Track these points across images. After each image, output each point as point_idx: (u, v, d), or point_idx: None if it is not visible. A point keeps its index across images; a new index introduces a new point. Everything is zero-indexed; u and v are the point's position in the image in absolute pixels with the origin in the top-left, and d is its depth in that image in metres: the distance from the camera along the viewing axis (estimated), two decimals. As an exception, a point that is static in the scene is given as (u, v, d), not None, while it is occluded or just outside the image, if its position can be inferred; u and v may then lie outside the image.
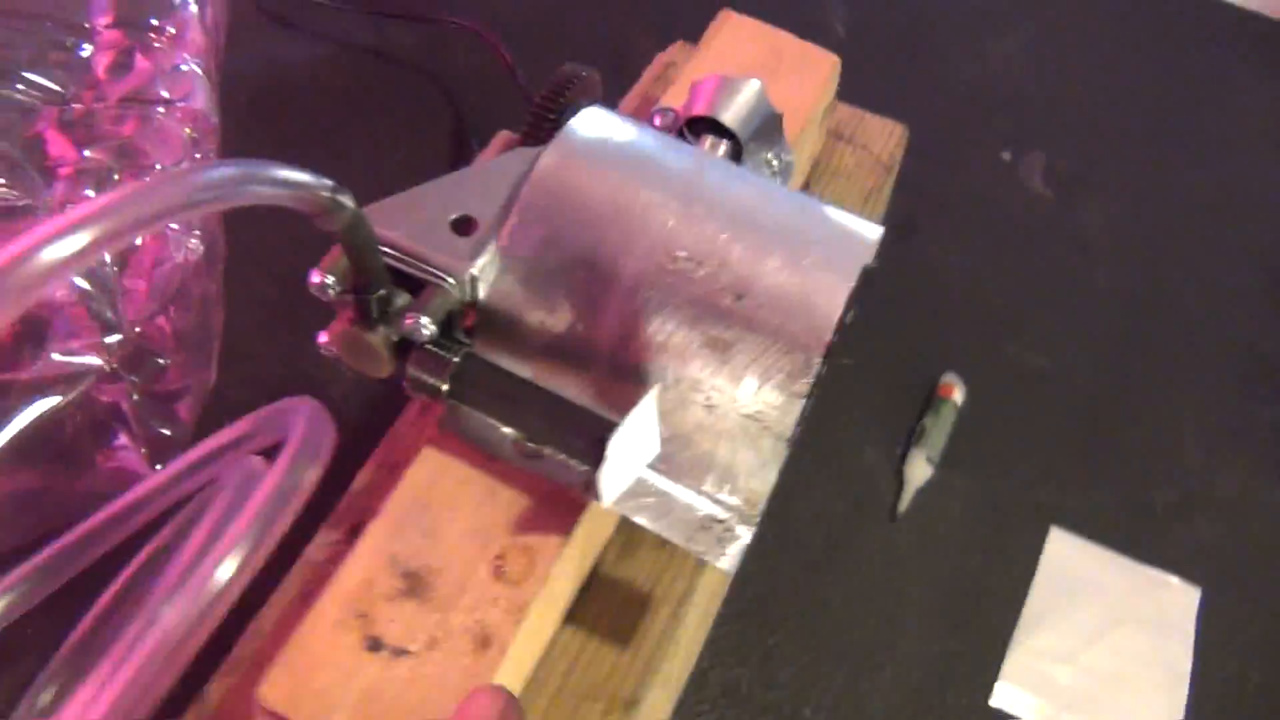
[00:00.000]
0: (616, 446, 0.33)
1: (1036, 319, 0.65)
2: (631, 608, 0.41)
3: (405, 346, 0.36)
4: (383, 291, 0.35)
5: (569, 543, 0.36)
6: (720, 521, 0.37)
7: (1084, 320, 0.66)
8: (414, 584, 0.35)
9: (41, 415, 0.48)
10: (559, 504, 0.37)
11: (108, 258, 0.52)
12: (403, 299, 0.36)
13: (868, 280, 0.38)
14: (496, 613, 0.35)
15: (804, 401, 0.35)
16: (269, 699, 0.33)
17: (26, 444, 0.48)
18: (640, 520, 0.36)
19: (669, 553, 0.42)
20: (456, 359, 0.36)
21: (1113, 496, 0.59)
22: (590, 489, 0.34)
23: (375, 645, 0.34)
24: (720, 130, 0.43)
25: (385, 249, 0.36)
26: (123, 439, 0.52)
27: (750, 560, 0.53)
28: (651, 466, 0.37)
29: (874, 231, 0.37)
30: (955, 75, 0.77)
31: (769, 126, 0.44)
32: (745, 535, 0.36)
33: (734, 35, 0.49)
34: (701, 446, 0.36)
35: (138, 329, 0.52)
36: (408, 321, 0.35)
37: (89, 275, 0.52)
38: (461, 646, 0.34)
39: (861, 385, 0.61)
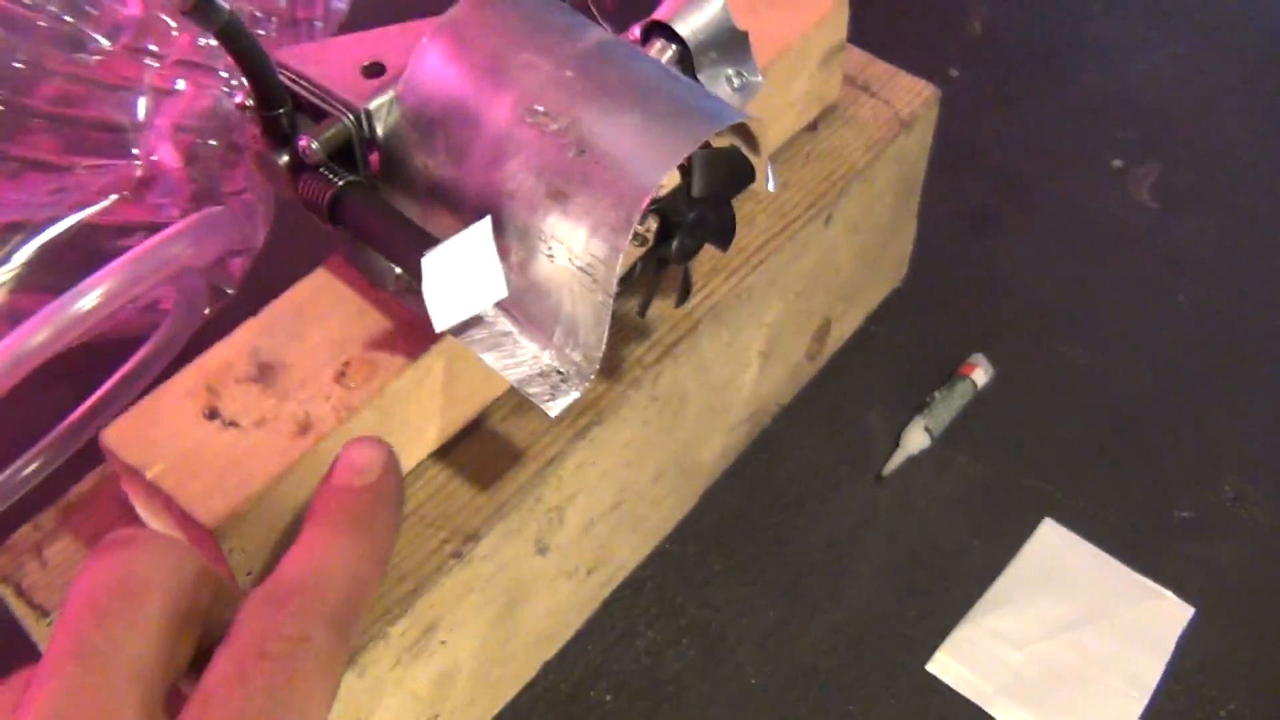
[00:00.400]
0: (433, 265, 0.36)
1: (1095, 320, 0.63)
2: (502, 459, 0.43)
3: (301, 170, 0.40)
4: (282, 111, 0.39)
5: (413, 366, 0.39)
6: (560, 373, 0.39)
7: (1148, 330, 0.63)
8: (264, 373, 0.39)
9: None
10: (415, 333, 0.40)
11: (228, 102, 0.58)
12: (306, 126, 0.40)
13: (735, 168, 0.39)
14: (324, 407, 0.38)
15: (620, 256, 0.36)
16: (108, 439, 0.37)
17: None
18: (482, 356, 0.38)
19: (554, 420, 0.44)
20: (340, 183, 0.39)
21: (1124, 503, 0.56)
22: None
23: (212, 415, 0.38)
24: (673, 37, 0.45)
25: (294, 79, 0.40)
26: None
27: (720, 490, 0.55)
28: (505, 310, 0.39)
29: (729, 116, 0.38)
30: (1086, 83, 0.75)
31: (731, 43, 0.45)
32: (576, 391, 0.38)
33: (744, -32, 0.51)
34: (549, 298, 0.39)
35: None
36: (300, 143, 0.39)
37: (195, 146, 0.60)
38: (283, 429, 0.38)
39: (884, 355, 0.61)
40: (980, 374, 0.59)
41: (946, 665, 0.51)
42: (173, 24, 0.57)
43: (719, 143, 0.41)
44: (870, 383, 0.60)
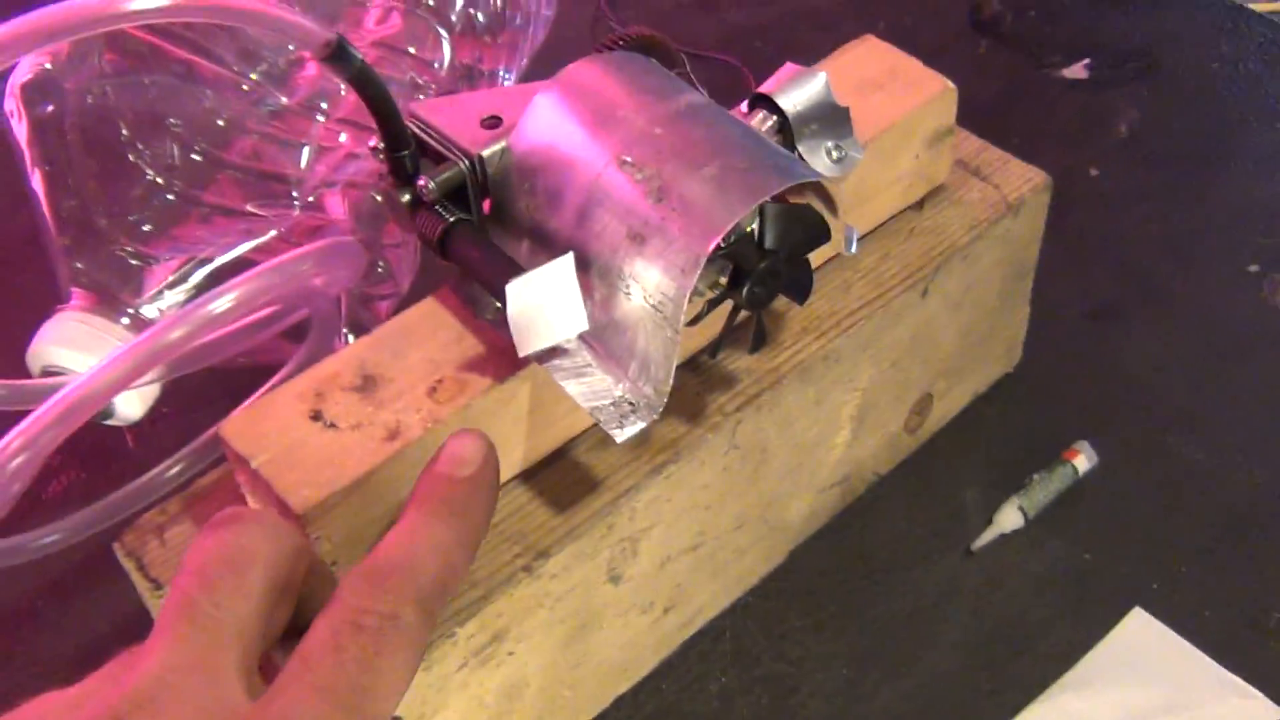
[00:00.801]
0: (517, 292, 0.40)
1: (1212, 418, 0.62)
2: (580, 487, 0.46)
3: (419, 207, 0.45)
4: (406, 153, 0.44)
5: (499, 388, 0.43)
6: (631, 404, 0.42)
7: (1268, 433, 0.62)
8: (366, 383, 0.43)
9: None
10: (504, 359, 0.44)
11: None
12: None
13: (806, 226, 0.42)
14: (414, 417, 0.42)
15: (687, 296, 0.39)
16: (226, 430, 0.42)
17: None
18: (562, 383, 0.42)
19: (633, 455, 0.47)
20: (451, 219, 0.44)
21: (1219, 601, 0.55)
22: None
23: (316, 416, 0.42)
24: (775, 109, 0.48)
25: (422, 127, 0.45)
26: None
27: (808, 549, 0.57)
28: (588, 344, 0.43)
29: (800, 174, 0.41)
30: (1229, 188, 0.75)
31: (832, 117, 0.48)
32: (643, 422, 0.41)
33: (861, 51, 0.54)
34: (626, 334, 0.42)
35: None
36: (419, 182, 0.44)
37: (362, 201, 0.66)
38: (375, 434, 0.42)
39: (987, 436, 0.62)
40: (1083, 460, 0.59)
41: (1016, 741, 0.51)
42: (342, 87, 0.63)
43: (799, 201, 0.44)
44: (970, 460, 0.61)
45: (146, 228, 0.66)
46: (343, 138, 0.61)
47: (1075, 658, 0.54)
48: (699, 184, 0.40)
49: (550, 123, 0.44)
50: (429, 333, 0.45)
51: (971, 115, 0.57)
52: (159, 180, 0.66)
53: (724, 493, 0.50)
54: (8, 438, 0.44)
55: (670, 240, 0.40)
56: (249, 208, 0.65)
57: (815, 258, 0.45)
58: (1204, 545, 0.57)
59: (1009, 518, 0.58)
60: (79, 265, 0.63)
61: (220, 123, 0.67)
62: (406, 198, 0.45)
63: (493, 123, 0.45)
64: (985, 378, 0.63)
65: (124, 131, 0.67)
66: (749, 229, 0.42)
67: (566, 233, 0.43)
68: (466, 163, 0.44)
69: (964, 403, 0.62)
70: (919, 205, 0.56)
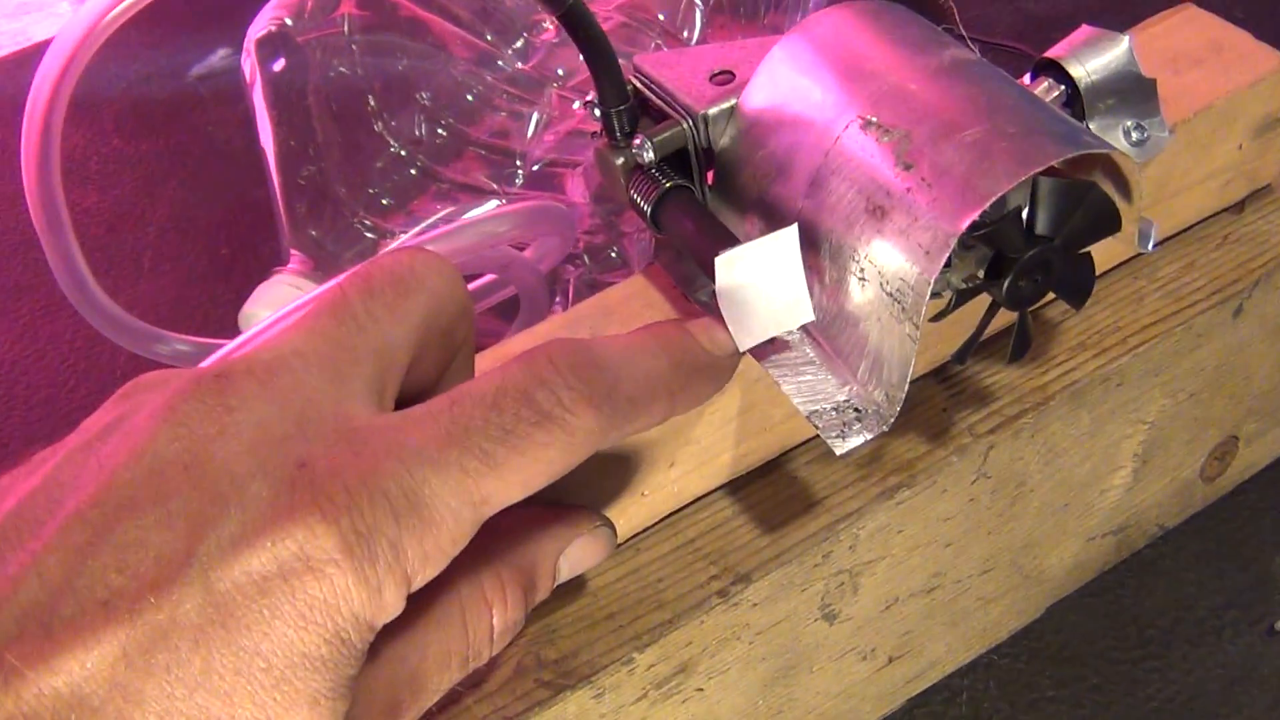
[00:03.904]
0: (729, 266, 0.34)
1: None
2: (794, 505, 0.40)
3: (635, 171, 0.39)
4: (623, 108, 0.39)
5: (705, 381, 0.37)
6: (857, 411, 0.35)
7: None
8: (557, 365, 0.38)
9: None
10: (716, 348, 0.38)
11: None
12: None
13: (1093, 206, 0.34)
14: (604, 407, 0.37)
15: (930, 284, 0.32)
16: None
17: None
18: (778, 380, 0.35)
19: (860, 474, 0.40)
20: (667, 184, 0.38)
21: None
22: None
23: (498, 396, 0.38)
24: (1064, 77, 0.40)
25: (645, 83, 0.40)
26: (555, 308, 0.60)
27: (1071, 607, 0.48)
28: (813, 338, 0.36)
29: (1088, 143, 0.33)
30: None
31: (1134, 90, 0.40)
32: (869, 433, 0.34)
33: (1176, 20, 0.46)
34: (858, 328, 0.35)
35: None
36: (635, 142, 0.39)
37: (601, 186, 0.61)
38: (559, 421, 0.37)
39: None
40: None
41: None
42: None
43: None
44: (1281, 522, 0.51)
45: (385, 201, 0.64)
46: (576, 105, 0.57)
47: (1405, 778, 0.43)
48: (957, 150, 0.33)
49: (787, 76, 0.37)
50: (634, 313, 0.39)
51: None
52: (403, 153, 0.64)
53: (969, 529, 0.43)
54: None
55: (916, 215, 0.33)
56: (499, 189, 0.62)
57: (1100, 256, 0.37)
58: None
59: (1328, 595, 0.47)
60: (313, 233, 0.62)
61: (470, 98, 0.64)
62: (621, 160, 0.40)
63: (724, 78, 0.39)
64: (1307, 424, 0.52)
65: (371, 102, 0.65)
66: (1016, 208, 0.34)
67: (795, 204, 0.36)
68: (689, 121, 0.39)
69: (1278, 452, 0.52)
70: (1238, 208, 0.47)
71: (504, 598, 0.31)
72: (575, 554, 0.34)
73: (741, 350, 0.35)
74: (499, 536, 0.32)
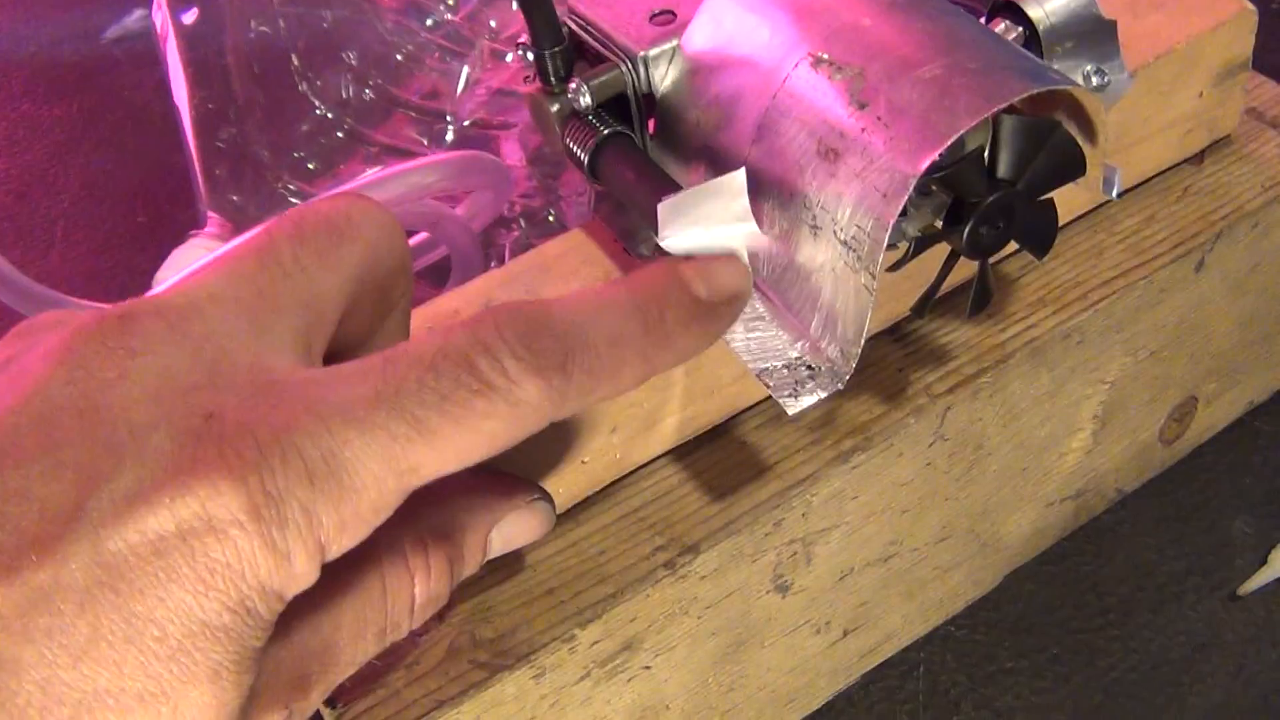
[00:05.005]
0: (672, 213, 0.32)
1: None
2: (743, 471, 0.38)
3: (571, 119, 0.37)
4: (557, 50, 0.36)
5: (648, 339, 0.35)
6: (809, 369, 0.33)
7: None
8: (489, 325, 0.36)
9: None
10: (659, 304, 0.35)
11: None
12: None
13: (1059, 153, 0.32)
14: (540, 368, 0.34)
15: (888, 230, 0.30)
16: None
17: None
18: (726, 338, 0.33)
19: (813, 439, 0.38)
20: (605, 131, 0.36)
21: None
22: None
23: (426, 359, 0.35)
24: (1021, 18, 0.38)
25: (581, 24, 0.37)
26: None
27: (1029, 576, 0.47)
28: (762, 293, 0.34)
29: (1053, 79, 0.31)
30: None
31: (1094, 33, 0.38)
32: (823, 391, 0.32)
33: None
34: (809, 280, 0.33)
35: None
36: (570, 86, 0.36)
37: (540, 149, 0.59)
38: (493, 384, 0.34)
39: (1264, 456, 0.50)
40: (1391, 494, 0.47)
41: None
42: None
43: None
44: (1241, 485, 0.49)
45: (311, 165, 0.61)
46: (509, 58, 0.54)
47: (1372, 742, 0.42)
48: (915, 86, 0.31)
49: (732, 14, 0.35)
50: (571, 269, 0.37)
51: (1273, 58, 0.46)
52: (329, 115, 0.61)
53: (925, 494, 0.41)
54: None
55: (871, 157, 0.31)
56: (420, 147, 0.59)
57: (1058, 208, 0.35)
58: None
59: (1290, 558, 0.46)
60: (234, 198, 0.59)
61: (399, 57, 0.61)
62: (556, 107, 0.37)
63: (665, 18, 0.37)
64: (1267, 384, 0.51)
65: (295, 61, 0.62)
66: (977, 148, 0.32)
67: (743, 151, 0.34)
68: (628, 64, 0.36)
69: (1237, 412, 0.51)
70: (1198, 159, 0.45)
71: (427, 568, 0.29)
72: (509, 529, 0.32)
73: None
74: (427, 502, 0.29)
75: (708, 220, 0.32)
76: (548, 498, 0.33)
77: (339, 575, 0.27)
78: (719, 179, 0.32)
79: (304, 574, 0.23)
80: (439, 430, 0.24)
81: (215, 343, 0.25)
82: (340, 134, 0.61)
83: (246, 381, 0.24)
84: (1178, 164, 0.45)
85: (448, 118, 0.55)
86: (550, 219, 0.58)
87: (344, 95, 0.62)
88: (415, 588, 0.28)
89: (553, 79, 0.37)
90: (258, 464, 0.22)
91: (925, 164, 0.30)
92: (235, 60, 0.61)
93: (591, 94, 0.36)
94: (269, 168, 0.60)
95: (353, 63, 0.61)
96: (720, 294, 0.29)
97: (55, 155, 0.69)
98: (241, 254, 0.26)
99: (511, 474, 0.33)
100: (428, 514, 0.29)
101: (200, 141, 0.57)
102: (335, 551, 0.24)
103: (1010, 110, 0.32)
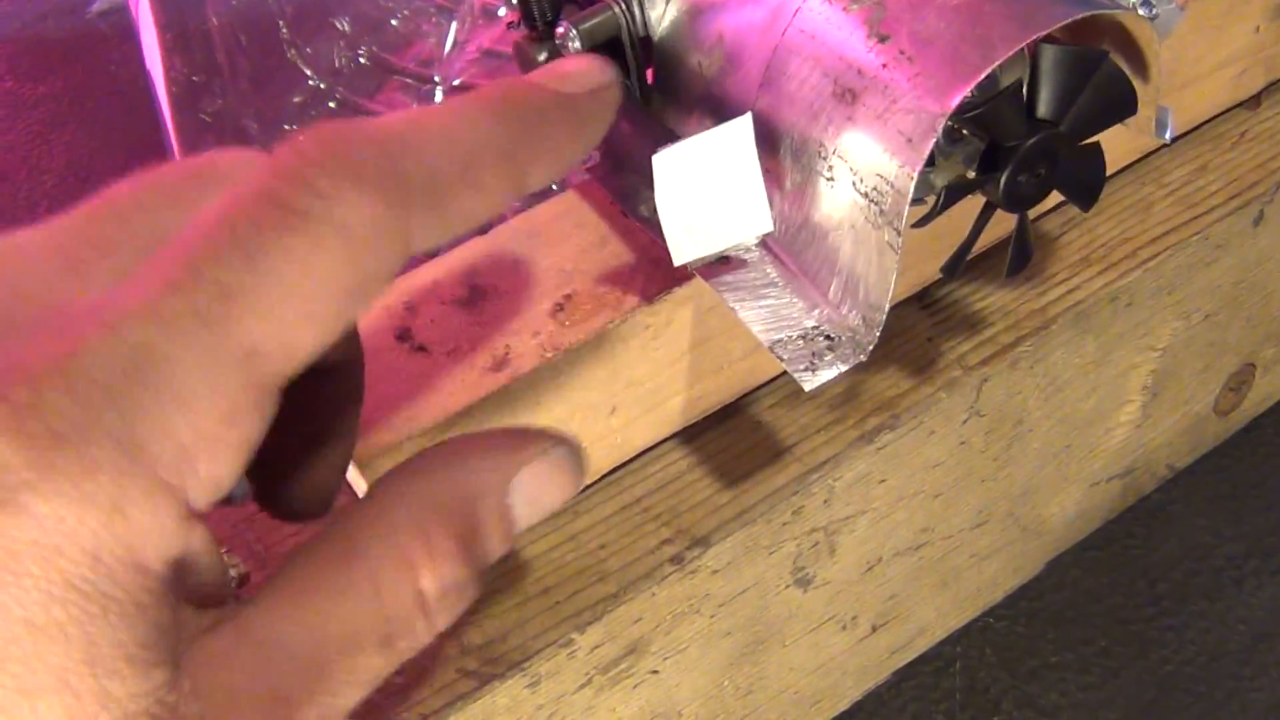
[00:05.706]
0: (670, 165, 0.28)
1: None
2: (758, 455, 0.34)
3: (560, 67, 0.33)
4: (540, -10, 0.33)
5: (647, 310, 0.32)
6: (829, 339, 0.29)
7: None
8: (474, 296, 0.32)
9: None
10: (659, 273, 0.32)
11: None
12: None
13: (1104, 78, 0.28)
14: (529, 343, 0.31)
15: (914, 179, 0.27)
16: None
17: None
18: (734, 306, 0.30)
19: (835, 417, 0.35)
20: (596, 82, 0.32)
21: None
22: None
23: (403, 336, 0.32)
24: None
25: (567, -41, 0.34)
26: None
27: (1072, 562, 0.43)
28: (774, 255, 0.30)
29: (1100, 4, 0.28)
30: None
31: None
32: (844, 364, 0.29)
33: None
34: (827, 239, 0.30)
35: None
36: (559, 31, 0.33)
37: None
38: (476, 361, 0.31)
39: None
40: None
41: None
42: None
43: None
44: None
45: (304, 138, 0.58)
46: (502, 11, 0.51)
47: None
48: (941, 14, 0.28)
49: (735, -55, 0.31)
50: (563, 234, 0.34)
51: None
52: (321, 86, 0.58)
53: (960, 476, 0.37)
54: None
55: (894, 96, 0.27)
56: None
57: (1108, 155, 0.31)
58: None
59: (1361, 538, 0.42)
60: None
61: (393, 22, 0.58)
62: (543, 55, 0.34)
63: (662, -46, 0.34)
64: (1330, 350, 0.47)
65: (283, 29, 0.59)
66: (1015, 82, 0.29)
67: (750, 97, 0.31)
68: (621, 4, 0.33)
69: (1298, 382, 0.47)
70: (1254, 102, 0.42)
71: (431, 552, 0.23)
72: (529, 487, 0.25)
73: (678, 263, 0.29)
74: (418, 475, 0.25)
75: (711, 173, 0.29)
76: (568, 442, 0.26)
77: (309, 573, 0.23)
78: (722, 126, 0.29)
79: (153, 522, 0.18)
80: (258, 290, 0.19)
81: (8, 287, 0.20)
82: (332, 104, 0.58)
83: (35, 320, 0.20)
84: (1232, 108, 0.41)
85: (435, 79, 0.52)
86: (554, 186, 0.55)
87: (336, 64, 0.59)
88: (422, 579, 0.24)
89: (539, 22, 0.33)
90: (32, 404, 0.18)
91: (955, 101, 0.27)
92: (219, 28, 0.58)
93: (581, 38, 0.33)
94: (259, 140, 0.57)
95: (345, 29, 0.59)
96: (580, 84, 0.24)
97: (39, 134, 0.66)
98: (76, 209, 0.23)
99: (523, 427, 0.29)
100: (422, 486, 0.25)
101: (180, 115, 0.54)
102: (197, 485, 0.19)
103: (1050, 40, 0.28)
